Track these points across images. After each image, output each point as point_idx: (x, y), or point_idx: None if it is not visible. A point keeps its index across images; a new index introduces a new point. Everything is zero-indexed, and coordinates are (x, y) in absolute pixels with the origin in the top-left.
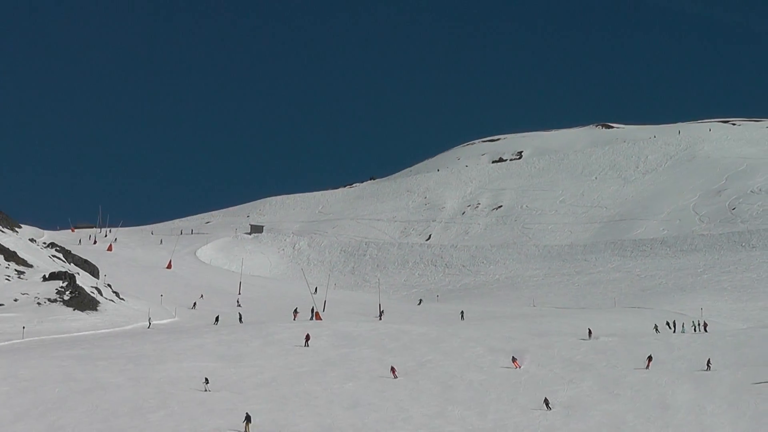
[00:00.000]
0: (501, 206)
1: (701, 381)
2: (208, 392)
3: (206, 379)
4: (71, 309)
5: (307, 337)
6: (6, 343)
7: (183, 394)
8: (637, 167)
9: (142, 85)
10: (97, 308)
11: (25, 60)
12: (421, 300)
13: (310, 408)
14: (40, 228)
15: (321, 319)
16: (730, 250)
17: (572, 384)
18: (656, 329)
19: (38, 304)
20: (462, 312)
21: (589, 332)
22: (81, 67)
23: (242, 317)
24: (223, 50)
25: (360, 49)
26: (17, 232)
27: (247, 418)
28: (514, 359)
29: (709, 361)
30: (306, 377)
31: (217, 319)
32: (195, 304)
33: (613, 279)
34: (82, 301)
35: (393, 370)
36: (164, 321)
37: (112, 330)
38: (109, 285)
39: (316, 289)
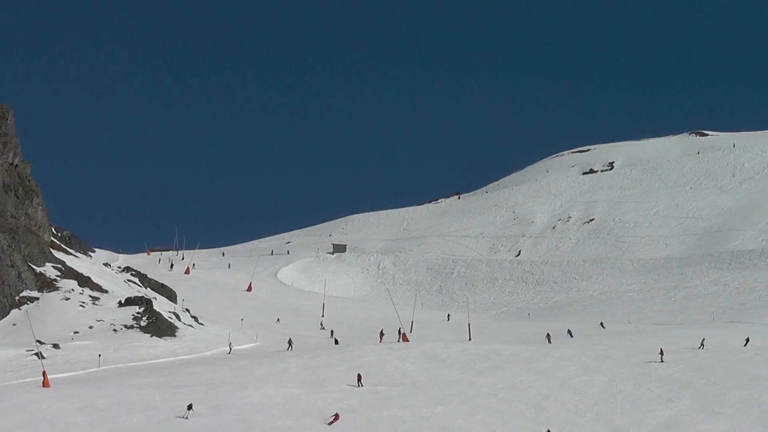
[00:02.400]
0: (593, 219)
1: None
2: (187, 419)
3: (190, 406)
4: (148, 335)
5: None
6: (82, 372)
7: (266, 421)
8: (734, 176)
9: (221, 101)
10: (176, 334)
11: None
12: (449, 315)
13: None
14: (114, 252)
15: (408, 341)
16: None
17: (671, 403)
18: (702, 345)
19: (114, 330)
20: (602, 323)
21: (661, 352)
22: (161, 86)
23: (338, 341)
24: (306, 63)
25: (446, 59)
26: (91, 256)
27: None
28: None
29: None
30: (394, 401)
31: (290, 343)
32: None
33: (711, 293)
34: (160, 327)
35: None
36: (245, 346)
37: (191, 356)
38: (187, 310)
39: (448, 316)
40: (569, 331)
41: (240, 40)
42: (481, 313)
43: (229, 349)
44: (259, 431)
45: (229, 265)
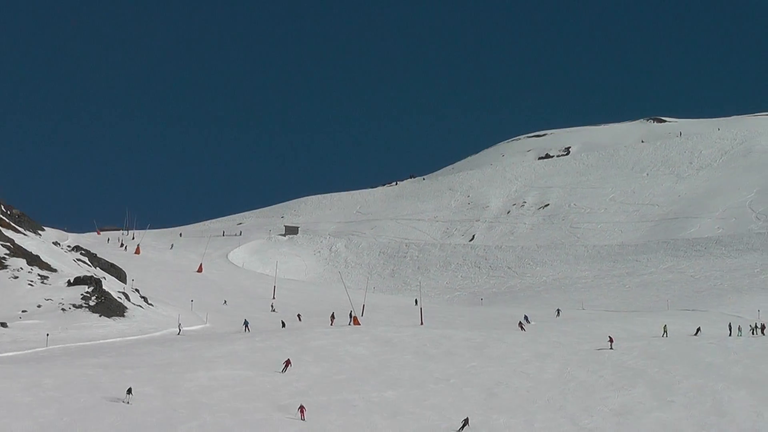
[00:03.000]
0: (548, 205)
1: (758, 386)
2: (128, 404)
3: (129, 390)
4: (97, 315)
5: (287, 363)
6: (29, 351)
7: (215, 403)
8: (691, 163)
9: (173, 83)
10: (125, 314)
11: (48, 60)
12: (416, 300)
13: (348, 417)
14: (64, 231)
15: (359, 324)
16: None
17: (623, 390)
18: (665, 332)
19: (63, 310)
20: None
21: (610, 340)
22: (109, 68)
23: (285, 323)
24: (257, 46)
25: (401, 43)
26: (40, 235)
27: None
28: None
29: None
30: (344, 385)
31: (246, 324)
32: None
33: (666, 280)
34: (109, 307)
35: (302, 410)
36: (195, 327)
37: (140, 337)
38: (137, 290)
39: (416, 300)
40: (526, 317)
41: (187, 22)
42: (433, 297)
43: (178, 330)
44: (208, 414)
45: (172, 245)
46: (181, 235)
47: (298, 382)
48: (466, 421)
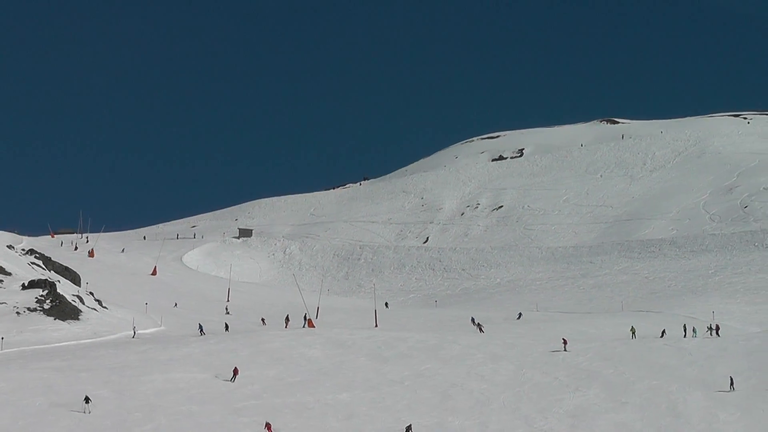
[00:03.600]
0: (502, 206)
1: (713, 388)
2: (87, 414)
3: (87, 398)
4: (52, 318)
5: (235, 372)
6: None
7: (170, 406)
8: (645, 164)
9: (126, 85)
10: (79, 317)
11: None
12: (387, 303)
13: (303, 420)
14: (18, 234)
15: (314, 327)
16: (742, 251)
17: (578, 392)
18: (633, 334)
19: (17, 313)
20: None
21: (564, 342)
22: (61, 68)
23: (228, 326)
24: (210, 49)
25: (352, 46)
26: None
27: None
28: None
29: (732, 381)
30: (299, 388)
31: (201, 328)
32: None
33: (620, 282)
34: (64, 310)
35: (268, 427)
36: (150, 330)
37: (95, 340)
38: (91, 293)
39: (386, 303)
40: (473, 320)
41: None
42: (387, 299)
43: (133, 333)
44: (163, 416)
45: (123, 249)
46: (145, 237)
47: (252, 384)
48: (409, 428)
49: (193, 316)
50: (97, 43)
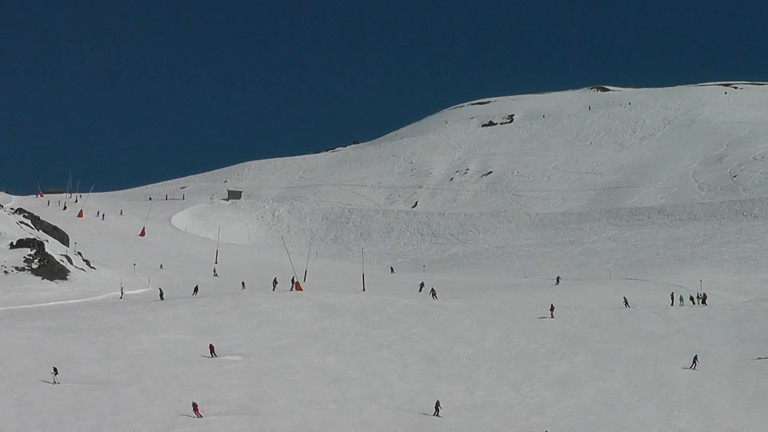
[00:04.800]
0: (491, 172)
1: (700, 356)
2: (57, 384)
3: (55, 370)
4: (40, 278)
5: (211, 348)
6: None
7: (157, 367)
8: (634, 132)
9: (116, 46)
10: (67, 277)
11: None
12: (392, 268)
13: (289, 383)
14: (7, 193)
15: (302, 290)
16: (731, 220)
17: (565, 359)
18: (626, 303)
19: (5, 272)
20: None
21: (551, 308)
22: (48, 30)
23: (198, 289)
24: (201, 15)
25: (342, 7)
26: None
27: None
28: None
29: (695, 359)
30: (285, 351)
31: (196, 289)
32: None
33: (609, 249)
34: (51, 270)
35: (195, 407)
36: (137, 291)
37: (82, 300)
38: (79, 253)
39: (392, 268)
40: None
41: None
42: (375, 264)
43: (120, 293)
44: (149, 377)
45: (121, 211)
46: (150, 198)
47: (239, 347)
48: (437, 404)
49: (180, 277)
50: (89, 2)
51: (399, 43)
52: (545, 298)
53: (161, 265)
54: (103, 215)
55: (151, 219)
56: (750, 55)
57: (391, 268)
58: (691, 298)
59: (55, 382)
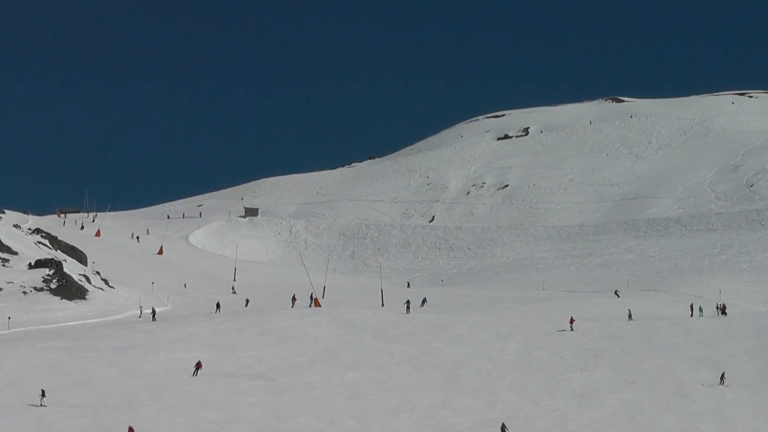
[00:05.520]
0: (507, 185)
1: (720, 367)
2: (43, 407)
3: (42, 392)
4: (58, 298)
5: (198, 366)
6: None
7: (176, 386)
8: (650, 143)
9: (130, 64)
10: (86, 297)
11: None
12: (408, 283)
13: (309, 399)
14: (24, 213)
15: (320, 306)
16: (748, 229)
17: (585, 371)
18: (629, 316)
19: (24, 293)
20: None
21: (571, 321)
22: (65, 47)
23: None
24: (215, 29)
25: (357, 24)
26: (0, 218)
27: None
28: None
29: (723, 376)
30: (305, 367)
31: (218, 306)
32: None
33: (626, 261)
34: (70, 290)
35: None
36: (156, 309)
37: (101, 319)
38: (97, 272)
39: (408, 283)
40: (425, 300)
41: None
42: (393, 279)
43: (139, 312)
44: (169, 396)
45: (148, 231)
46: (168, 217)
47: (259, 364)
48: (503, 427)
49: (199, 295)
50: (104, 20)
51: (413, 58)
52: (564, 310)
53: (185, 285)
54: (138, 237)
55: (168, 237)
56: (765, 63)
57: (408, 283)
58: (717, 307)
59: (41, 405)
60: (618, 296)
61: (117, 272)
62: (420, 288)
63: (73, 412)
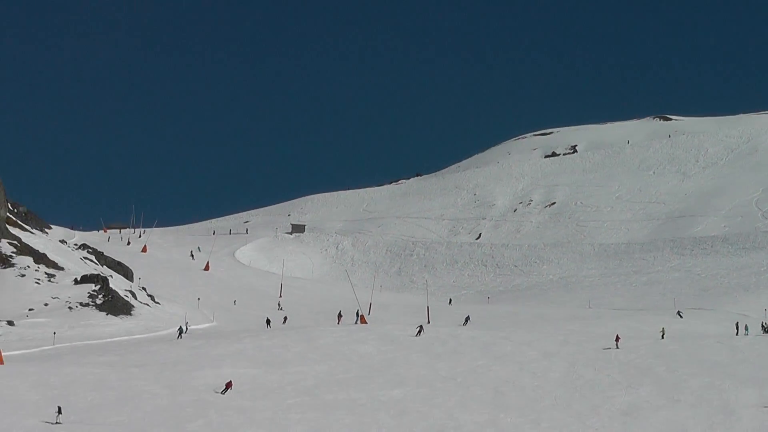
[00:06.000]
0: (554, 203)
1: (766, 385)
2: (59, 424)
3: (59, 409)
4: (104, 313)
5: (228, 385)
6: (36, 349)
7: (222, 401)
8: (697, 161)
9: (179, 78)
10: (131, 312)
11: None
12: (450, 300)
13: (355, 416)
14: (71, 229)
15: (366, 323)
16: None
17: (630, 389)
18: (662, 335)
19: (69, 308)
20: (467, 318)
21: (617, 339)
22: (114, 65)
23: (270, 321)
24: (262, 41)
25: (406, 41)
26: (47, 233)
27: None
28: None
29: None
30: (351, 384)
31: (268, 322)
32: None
33: (673, 279)
34: (116, 305)
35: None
36: (202, 326)
37: (147, 335)
38: (143, 288)
39: (450, 300)
40: (467, 318)
41: (189, 21)
42: (440, 296)
43: (186, 328)
44: (214, 412)
45: (199, 248)
46: (214, 232)
47: (305, 380)
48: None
49: (245, 311)
50: (147, 38)
51: (462, 75)
52: (610, 328)
53: (235, 302)
54: (192, 254)
55: (215, 253)
56: None
57: (450, 300)
58: (763, 326)
59: (57, 422)
60: (681, 317)
61: (163, 288)
62: (466, 305)
63: (117, 427)
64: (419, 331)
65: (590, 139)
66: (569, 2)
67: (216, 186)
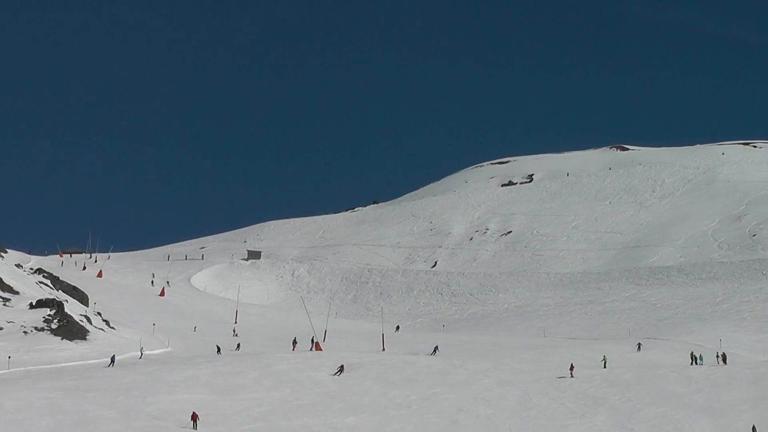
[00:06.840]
0: (510, 232)
1: (720, 416)
2: None
3: None
4: (59, 338)
5: (194, 417)
6: None
7: (175, 428)
8: (654, 191)
9: (133, 101)
10: (87, 337)
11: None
12: (398, 327)
13: None
14: (27, 253)
15: (321, 350)
16: (750, 279)
17: (584, 418)
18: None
19: (24, 332)
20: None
21: (571, 368)
22: (69, 83)
23: (220, 348)
24: (218, 66)
25: (362, 67)
26: (2, 257)
27: None
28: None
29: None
30: (305, 411)
31: (218, 349)
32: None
33: (628, 308)
34: (71, 330)
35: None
36: (157, 351)
37: (101, 360)
38: (98, 313)
39: (397, 327)
40: (436, 348)
41: (149, 43)
42: (395, 323)
43: (140, 353)
44: None
45: (153, 274)
46: (169, 257)
47: (259, 407)
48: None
49: (201, 337)
50: (113, 60)
51: (418, 104)
52: (565, 357)
53: (195, 328)
54: (153, 281)
55: (170, 278)
56: None
57: (397, 327)
58: (718, 356)
59: None
60: (640, 349)
61: (118, 313)
62: (422, 333)
63: None
64: (339, 371)
65: (547, 168)
66: (528, 32)
67: (172, 211)
